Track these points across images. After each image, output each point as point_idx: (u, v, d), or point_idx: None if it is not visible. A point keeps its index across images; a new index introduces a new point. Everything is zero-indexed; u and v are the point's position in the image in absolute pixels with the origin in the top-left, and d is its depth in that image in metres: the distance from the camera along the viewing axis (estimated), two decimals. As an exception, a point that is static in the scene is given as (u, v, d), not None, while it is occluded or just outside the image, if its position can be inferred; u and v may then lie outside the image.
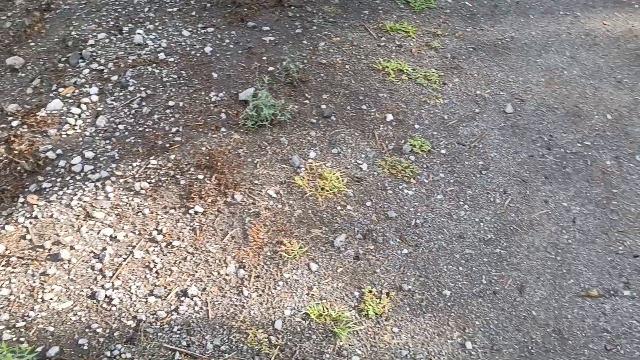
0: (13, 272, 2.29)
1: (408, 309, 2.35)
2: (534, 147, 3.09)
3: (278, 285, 2.35)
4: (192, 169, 2.75)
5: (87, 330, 2.16)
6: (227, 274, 2.37)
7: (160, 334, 2.17)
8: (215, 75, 3.27)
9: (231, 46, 3.48)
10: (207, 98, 3.13)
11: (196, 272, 2.36)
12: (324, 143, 2.96)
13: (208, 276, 2.36)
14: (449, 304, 2.40)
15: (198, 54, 3.38)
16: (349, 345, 2.20)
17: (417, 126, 3.13)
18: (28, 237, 2.41)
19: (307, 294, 2.33)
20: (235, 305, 2.27)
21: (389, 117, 3.15)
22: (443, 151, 3.02)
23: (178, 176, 2.71)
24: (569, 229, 2.71)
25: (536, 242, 2.64)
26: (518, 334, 2.32)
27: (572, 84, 3.51)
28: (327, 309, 2.28)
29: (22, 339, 2.11)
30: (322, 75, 3.35)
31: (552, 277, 2.51)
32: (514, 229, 2.69)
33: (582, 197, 2.86)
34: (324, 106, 3.16)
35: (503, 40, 3.78)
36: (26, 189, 2.59)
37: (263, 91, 3.04)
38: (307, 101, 3.17)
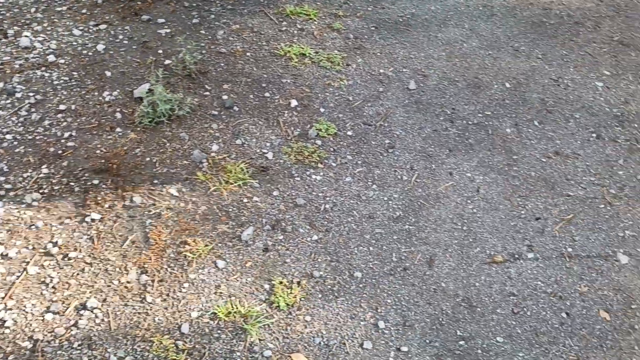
0: None
1: (320, 295, 2.33)
2: (437, 122, 3.13)
3: (183, 288, 2.26)
4: (87, 175, 2.61)
5: (-24, 359, 2.01)
6: (128, 282, 2.26)
7: (59, 352, 2.05)
8: (108, 73, 3.11)
9: (125, 42, 3.32)
10: (100, 98, 2.98)
11: (95, 282, 2.24)
12: (226, 135, 2.88)
13: (108, 286, 2.25)
14: (360, 285, 2.39)
15: (90, 53, 3.21)
16: (260, 340, 2.15)
17: (322, 110, 3.10)
18: None
19: (215, 293, 2.26)
20: (139, 313, 2.18)
21: (294, 102, 3.10)
22: (349, 133, 3.01)
23: (72, 183, 2.57)
24: (474, 199, 2.76)
25: (443, 215, 2.68)
26: (429, 307, 2.34)
27: (471, 56, 3.57)
28: (236, 306, 2.22)
29: None
30: (222, 64, 3.25)
31: (459, 248, 2.55)
32: (421, 204, 2.71)
33: (485, 166, 2.92)
34: (225, 97, 3.07)
35: (404, 17, 3.79)
36: None
37: (158, 86, 2.92)
38: (207, 93, 3.07)
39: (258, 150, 2.85)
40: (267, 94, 3.14)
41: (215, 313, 2.21)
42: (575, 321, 2.36)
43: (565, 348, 2.28)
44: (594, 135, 3.15)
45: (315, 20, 3.67)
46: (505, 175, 2.91)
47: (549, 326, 2.34)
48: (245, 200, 2.63)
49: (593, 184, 2.90)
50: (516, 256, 2.57)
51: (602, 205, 2.80)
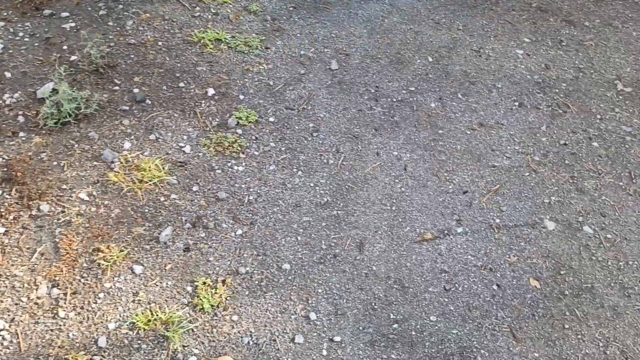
0: None
1: (247, 292, 2.23)
2: (362, 101, 3.05)
3: (99, 298, 2.12)
4: (-14, 186, 2.40)
5: None
6: (38, 297, 2.10)
7: (-38, 383, 1.87)
8: (8, 74, 2.88)
9: (26, 39, 3.08)
10: (0, 102, 2.75)
11: (2, 302, 2.06)
12: (139, 131, 2.72)
13: (16, 304, 2.08)
14: (289, 277, 2.31)
15: (-14, 53, 2.95)
16: (184, 346, 2.04)
17: (241, 97, 2.97)
18: None
19: (133, 301, 2.13)
20: (51, 330, 2.02)
21: (211, 91, 2.96)
22: (272, 119, 2.89)
23: (-30, 197, 2.35)
24: (401, 178, 2.71)
25: (371, 197, 2.62)
26: (361, 293, 2.28)
27: (393, 32, 3.51)
28: (156, 312, 2.09)
29: None
30: (132, 56, 3.07)
31: (389, 229, 2.49)
32: (349, 188, 2.64)
33: (411, 143, 2.87)
34: (136, 90, 2.89)
35: (322, -5, 3.68)
36: None
37: (63, 84, 2.72)
38: (116, 87, 2.89)
39: (174, 145, 2.71)
40: (181, 84, 2.98)
41: (134, 322, 2.08)
42: (507, 292, 2.35)
43: (498, 320, 2.27)
44: (517, 103, 3.15)
45: (230, 4, 3.51)
46: (431, 151, 2.87)
47: (480, 300, 2.32)
48: (162, 199, 2.49)
49: (518, 153, 2.90)
50: (446, 232, 2.54)
51: (527, 174, 2.80)
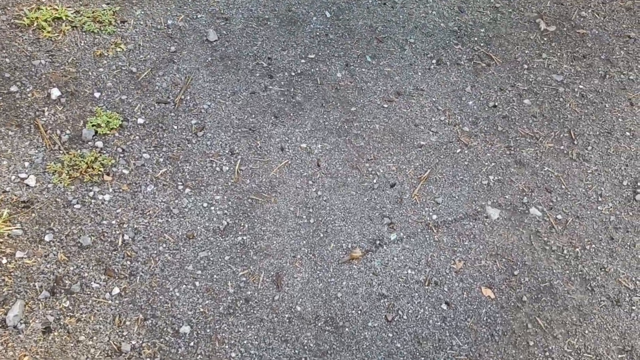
0: None
1: (137, 377, 1.67)
2: (253, 80, 2.44)
3: None
4: None
5: None
6: None
7: None
8: None
9: None
10: None
11: None
12: (-44, 167, 1.98)
13: None
14: (192, 344, 1.76)
15: None
16: None
17: (97, 94, 2.27)
18: None
19: None
20: None
21: (55, 92, 2.24)
22: (141, 120, 2.24)
23: None
24: (316, 177, 2.18)
25: (282, 209, 2.08)
26: (286, 346, 1.79)
27: (279, -17, 2.86)
28: None
29: None
30: None
31: (309, 250, 1.99)
32: (253, 201, 2.08)
33: (321, 129, 2.33)
34: (-55, 107, 2.11)
35: (185, -57, 2.92)
36: None
37: None
38: None
39: (13, 178, 2.00)
40: (13, 88, 2.23)
41: None
42: (458, 311, 1.96)
43: (454, 351, 1.88)
44: (434, 61, 2.67)
45: (65, -35, 2.69)
46: (346, 136, 2.35)
47: (430, 327, 1.91)
48: (4, 261, 1.82)
49: (444, 125, 2.45)
50: (377, 242, 2.08)
51: (459, 150, 2.37)
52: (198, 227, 2.02)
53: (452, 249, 2.09)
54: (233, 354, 1.77)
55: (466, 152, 2.36)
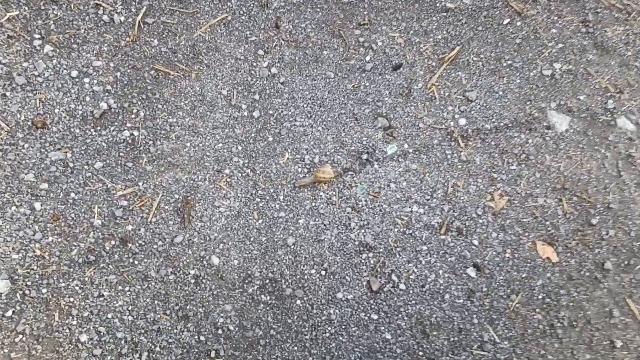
0: None
1: None
2: None
3: None
4: None
5: None
6: None
7: None
8: None
9: None
10: None
11: None
12: None
13: None
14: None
15: None
16: None
17: None
18: None
19: None
20: None
21: None
22: None
23: None
24: (270, 44, 1.30)
25: (208, 91, 1.25)
26: (180, 333, 0.95)
27: None
28: None
29: None
30: None
31: (247, 161, 1.20)
32: (159, 74, 1.24)
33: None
34: None
35: None
36: None
37: None
38: None
39: None
40: None
41: None
42: (495, 280, 1.14)
43: (485, 354, 1.04)
44: None
45: None
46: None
47: (445, 308, 1.09)
48: None
49: (487, -18, 1.51)
50: (364, 157, 1.25)
51: (508, 20, 1.47)
52: (57, 110, 1.14)
53: (489, 176, 1.22)
54: (83, 338, 0.93)
55: (519, 24, 1.45)
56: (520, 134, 1.31)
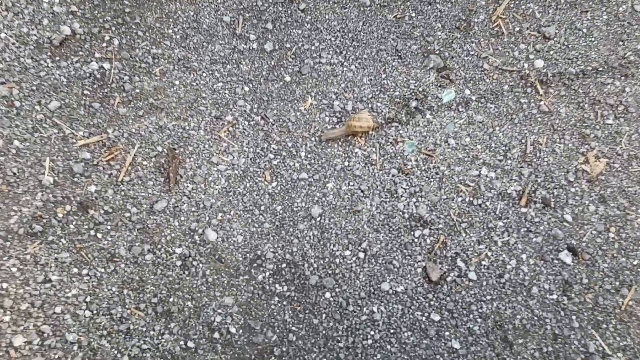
0: None
1: None
2: None
3: None
4: None
5: None
6: None
7: None
8: None
9: None
10: None
11: None
12: None
13: None
14: None
15: None
16: None
17: None
18: None
19: None
20: None
21: None
22: None
23: None
24: None
25: None
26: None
27: None
28: None
29: None
30: None
31: (253, 101, 0.82)
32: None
33: None
34: None
35: None
36: None
37: None
38: None
39: None
40: None
41: None
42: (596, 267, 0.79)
43: None
44: None
45: None
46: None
47: (535, 306, 0.75)
48: None
49: None
50: (413, 104, 0.93)
51: None
52: (2, 35, 0.83)
53: (579, 132, 0.91)
54: (18, 341, 0.61)
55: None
56: (615, 80, 1.00)
